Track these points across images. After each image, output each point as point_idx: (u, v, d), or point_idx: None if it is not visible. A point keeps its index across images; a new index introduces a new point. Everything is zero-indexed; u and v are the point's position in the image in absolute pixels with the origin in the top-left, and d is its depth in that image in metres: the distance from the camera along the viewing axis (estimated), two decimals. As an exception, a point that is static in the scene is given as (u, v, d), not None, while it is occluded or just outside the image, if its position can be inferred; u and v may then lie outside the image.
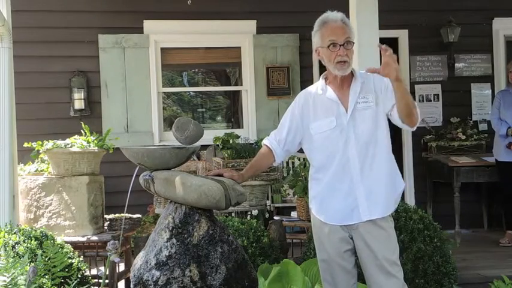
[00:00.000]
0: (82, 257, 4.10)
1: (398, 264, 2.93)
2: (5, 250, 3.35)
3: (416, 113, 2.87)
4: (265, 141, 3.15)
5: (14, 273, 2.94)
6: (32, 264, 3.17)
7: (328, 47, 2.89)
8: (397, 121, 2.92)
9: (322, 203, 3.02)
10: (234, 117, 7.53)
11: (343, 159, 2.92)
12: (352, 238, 2.95)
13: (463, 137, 7.02)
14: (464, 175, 6.46)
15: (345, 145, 2.91)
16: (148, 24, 6.84)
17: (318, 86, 3.04)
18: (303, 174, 5.11)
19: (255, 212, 5.62)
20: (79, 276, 3.65)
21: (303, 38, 6.99)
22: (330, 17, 2.93)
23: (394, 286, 2.87)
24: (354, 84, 2.95)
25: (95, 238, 4.66)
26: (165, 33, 6.92)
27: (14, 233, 3.69)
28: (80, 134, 4.91)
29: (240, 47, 7.14)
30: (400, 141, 7.38)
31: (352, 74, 2.98)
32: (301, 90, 3.23)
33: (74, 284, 3.12)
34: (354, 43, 2.92)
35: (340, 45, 2.87)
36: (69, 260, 3.66)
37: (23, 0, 6.12)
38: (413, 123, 2.89)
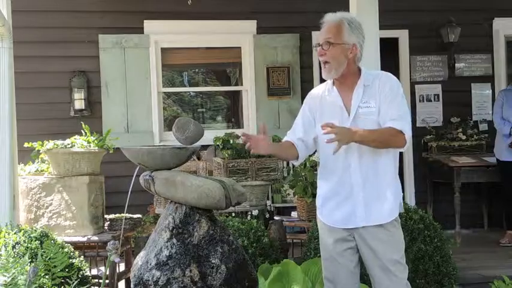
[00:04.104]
0: (82, 257, 4.10)
1: (402, 263, 2.90)
2: (6, 250, 3.35)
3: (398, 139, 2.79)
4: (285, 138, 3.09)
5: (14, 273, 2.95)
6: (33, 264, 3.17)
7: (315, 47, 2.95)
8: None
9: (323, 205, 3.02)
10: (234, 117, 7.53)
11: (345, 164, 2.89)
12: (354, 237, 2.94)
13: (464, 137, 7.02)
14: (465, 175, 6.45)
15: (347, 150, 2.85)
16: (148, 25, 6.84)
17: (326, 86, 3.00)
18: (303, 174, 5.11)
19: (255, 212, 5.62)
20: (79, 276, 3.65)
21: (303, 38, 6.99)
22: (326, 18, 2.92)
23: (396, 285, 2.86)
24: (357, 87, 2.89)
25: (95, 238, 4.65)
26: (165, 33, 6.91)
27: (15, 233, 3.69)
28: (80, 134, 4.91)
29: (240, 47, 7.14)
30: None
31: (358, 74, 2.92)
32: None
33: (74, 284, 3.12)
34: (334, 44, 2.83)
35: (319, 45, 2.87)
36: (70, 260, 3.66)
37: (23, 0, 6.12)
38: (399, 146, 2.84)
